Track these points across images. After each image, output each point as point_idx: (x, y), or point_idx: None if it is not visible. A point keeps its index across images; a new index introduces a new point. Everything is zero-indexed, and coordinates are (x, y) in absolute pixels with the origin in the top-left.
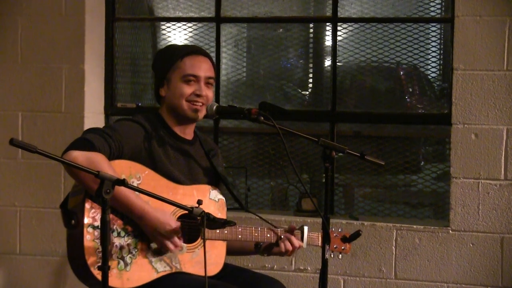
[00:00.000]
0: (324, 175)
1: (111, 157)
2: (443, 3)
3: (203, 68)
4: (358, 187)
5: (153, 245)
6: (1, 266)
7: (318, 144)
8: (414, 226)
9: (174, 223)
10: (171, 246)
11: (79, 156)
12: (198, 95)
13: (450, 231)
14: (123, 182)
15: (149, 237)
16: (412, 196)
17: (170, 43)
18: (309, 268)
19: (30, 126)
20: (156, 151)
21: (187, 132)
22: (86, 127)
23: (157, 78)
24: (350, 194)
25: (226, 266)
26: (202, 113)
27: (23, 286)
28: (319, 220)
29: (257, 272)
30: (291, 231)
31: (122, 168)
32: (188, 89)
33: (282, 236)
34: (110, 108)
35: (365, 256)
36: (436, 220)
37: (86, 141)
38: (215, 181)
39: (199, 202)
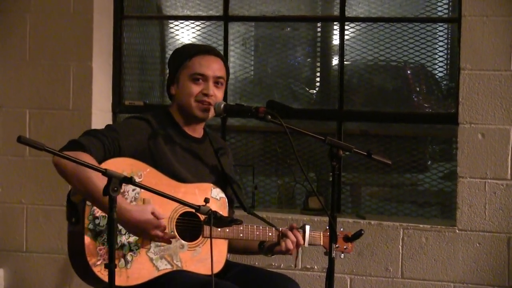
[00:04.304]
0: (331, 173)
1: (106, 156)
2: (450, 3)
3: (212, 68)
4: (365, 186)
5: (156, 244)
6: (8, 264)
7: (325, 142)
8: (421, 225)
9: (149, 215)
10: (156, 235)
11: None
12: (206, 94)
13: (457, 231)
14: (130, 180)
15: (131, 234)
16: (419, 195)
17: (181, 41)
18: (315, 267)
19: (38, 124)
20: (162, 148)
21: (197, 131)
22: (93, 124)
23: (169, 76)
24: (357, 193)
25: (235, 265)
26: (210, 113)
27: (29, 284)
28: (326, 218)
29: (270, 270)
30: (292, 230)
31: (123, 165)
32: (195, 88)
33: (284, 235)
34: (118, 105)
35: (371, 255)
36: (443, 220)
37: (76, 142)
38: (222, 180)
39: (206, 200)
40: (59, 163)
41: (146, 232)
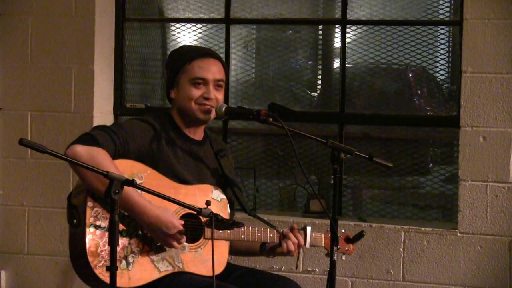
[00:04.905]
0: (332, 176)
1: (116, 154)
2: (452, 6)
3: (212, 71)
4: (366, 189)
5: (157, 245)
6: (9, 266)
7: (327, 145)
8: (422, 228)
9: (177, 221)
10: (174, 243)
11: (82, 151)
12: (206, 98)
13: (458, 234)
14: (132, 183)
15: (151, 235)
16: (420, 198)
17: (183, 44)
18: (317, 270)
19: (40, 126)
20: (165, 150)
21: (197, 133)
22: None
23: (168, 80)
24: (358, 196)
25: (237, 268)
26: (211, 115)
27: (31, 286)
28: (327, 221)
29: (272, 273)
30: (293, 231)
31: (124, 167)
32: (196, 92)
33: (285, 236)
34: (119, 108)
35: (373, 258)
36: (444, 223)
37: (91, 136)
38: (223, 182)
39: (208, 202)
40: (75, 157)
41: (166, 233)
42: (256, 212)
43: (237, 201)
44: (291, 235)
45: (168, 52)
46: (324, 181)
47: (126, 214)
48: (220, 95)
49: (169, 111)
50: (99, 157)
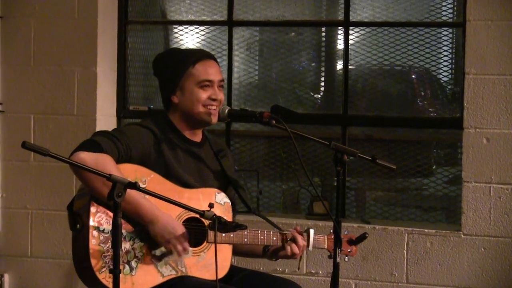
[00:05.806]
0: (335, 178)
1: (119, 160)
2: (455, 8)
3: (215, 72)
4: (370, 191)
5: (160, 250)
6: (13, 269)
7: (330, 147)
8: (426, 230)
9: (182, 228)
10: (180, 250)
11: (87, 158)
12: (214, 99)
13: (462, 235)
14: (134, 185)
15: (157, 241)
16: (424, 200)
17: (171, 48)
18: (320, 272)
19: (42, 129)
20: (166, 154)
21: (196, 135)
22: (98, 129)
23: (167, 85)
24: (361, 198)
25: (240, 270)
26: (216, 117)
27: None
28: (331, 223)
29: (275, 275)
30: (296, 233)
31: (128, 172)
32: (204, 94)
33: (288, 239)
34: (122, 110)
35: (376, 260)
36: (448, 224)
37: (94, 142)
38: (225, 183)
39: (211, 205)
40: (78, 161)
41: (173, 234)
42: None
43: (240, 201)
44: (299, 238)
45: None
46: (327, 183)
47: (129, 219)
48: (223, 96)
49: (167, 114)
50: (104, 162)
